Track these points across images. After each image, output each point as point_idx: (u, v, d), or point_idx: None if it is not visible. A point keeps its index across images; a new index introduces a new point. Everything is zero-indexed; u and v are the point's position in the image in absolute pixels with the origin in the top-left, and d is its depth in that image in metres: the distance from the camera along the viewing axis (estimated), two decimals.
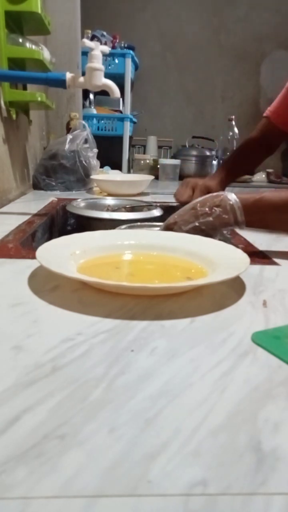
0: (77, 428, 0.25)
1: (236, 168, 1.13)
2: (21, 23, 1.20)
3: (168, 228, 0.68)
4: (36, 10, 1.09)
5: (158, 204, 1.02)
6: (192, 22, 2.78)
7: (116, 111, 2.38)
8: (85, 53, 0.89)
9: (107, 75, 0.84)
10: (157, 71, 2.88)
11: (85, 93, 2.20)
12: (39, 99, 1.19)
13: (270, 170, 2.16)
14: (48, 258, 0.49)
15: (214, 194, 0.66)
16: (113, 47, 2.35)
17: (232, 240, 0.74)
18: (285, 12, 2.74)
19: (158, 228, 0.72)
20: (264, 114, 1.09)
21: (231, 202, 0.63)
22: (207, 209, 0.64)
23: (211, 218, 0.64)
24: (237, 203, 0.63)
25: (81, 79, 0.83)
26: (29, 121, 1.48)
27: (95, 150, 1.49)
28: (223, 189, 1.05)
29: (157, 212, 0.94)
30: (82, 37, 2.00)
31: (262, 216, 0.65)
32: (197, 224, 0.64)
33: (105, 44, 2.16)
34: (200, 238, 0.66)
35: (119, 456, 0.23)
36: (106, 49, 0.84)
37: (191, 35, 2.82)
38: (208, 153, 2.06)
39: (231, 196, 0.64)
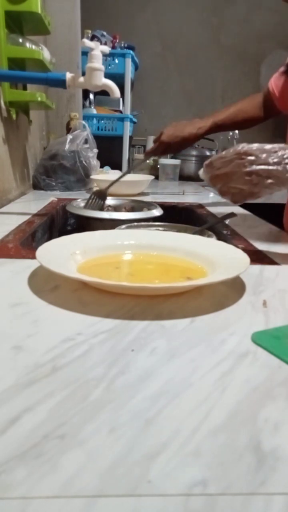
0: (77, 428, 0.25)
1: (229, 117, 1.08)
2: (21, 23, 1.20)
3: (208, 166, 0.61)
4: (36, 10, 1.09)
5: (158, 204, 1.02)
6: (192, 22, 2.78)
7: (116, 111, 2.38)
8: (85, 53, 0.89)
9: (107, 75, 0.84)
10: (157, 71, 2.88)
11: (85, 93, 2.20)
12: (39, 99, 1.19)
13: None
14: (48, 258, 0.49)
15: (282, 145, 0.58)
16: (113, 47, 2.35)
17: (232, 240, 0.74)
18: (285, 12, 2.74)
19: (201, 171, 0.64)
20: (269, 86, 1.04)
21: None
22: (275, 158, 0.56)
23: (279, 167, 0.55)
24: None
25: (81, 79, 0.83)
26: (29, 121, 1.48)
27: (95, 150, 1.49)
28: (202, 136, 1.04)
29: (157, 212, 0.94)
30: (82, 37, 2.00)
31: None
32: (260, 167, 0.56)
33: (105, 44, 2.16)
34: (200, 238, 0.66)
35: (119, 456, 0.23)
36: (106, 49, 0.84)
37: (191, 35, 2.82)
38: (208, 153, 2.06)
39: None
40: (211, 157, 0.63)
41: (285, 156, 0.56)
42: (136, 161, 1.15)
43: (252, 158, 0.57)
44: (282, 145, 0.58)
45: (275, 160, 0.56)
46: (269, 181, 0.57)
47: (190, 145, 1.11)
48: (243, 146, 0.58)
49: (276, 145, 0.57)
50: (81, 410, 0.27)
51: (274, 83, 1.03)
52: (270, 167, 0.56)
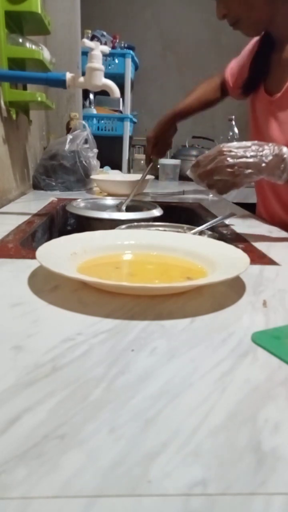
0: (77, 428, 0.25)
1: (185, 114, 1.20)
2: (21, 23, 1.20)
3: (194, 165, 0.71)
4: (36, 10, 1.09)
5: (158, 204, 1.02)
6: (192, 22, 2.78)
7: (116, 111, 2.38)
8: (85, 53, 0.89)
9: (107, 75, 0.84)
10: (157, 71, 2.88)
11: (85, 93, 2.21)
12: (39, 99, 1.19)
13: None
14: (48, 258, 0.49)
15: (262, 142, 0.69)
16: (113, 47, 2.35)
17: (232, 240, 0.74)
18: None
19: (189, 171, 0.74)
20: (225, 73, 1.16)
21: (285, 155, 0.66)
22: (253, 151, 0.67)
23: (263, 159, 0.66)
24: None
25: (81, 79, 0.83)
26: (29, 121, 1.48)
27: (95, 150, 1.49)
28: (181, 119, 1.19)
29: (157, 212, 0.94)
30: (82, 37, 2.00)
31: None
32: (242, 160, 0.66)
33: (105, 44, 2.16)
34: (200, 238, 0.66)
35: (119, 456, 0.23)
36: (106, 49, 0.83)
37: (191, 35, 2.82)
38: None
39: (285, 148, 0.67)
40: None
41: (259, 150, 0.67)
42: (145, 168, 1.23)
43: (232, 153, 0.67)
44: (256, 142, 0.68)
45: (252, 153, 0.67)
46: (248, 171, 0.67)
47: (172, 128, 1.22)
48: (224, 145, 0.69)
49: (250, 142, 0.68)
50: (81, 410, 0.27)
51: (230, 73, 1.14)
52: (248, 160, 0.66)
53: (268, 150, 0.67)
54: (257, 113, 0.99)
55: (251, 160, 0.66)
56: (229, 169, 0.67)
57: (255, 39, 1.01)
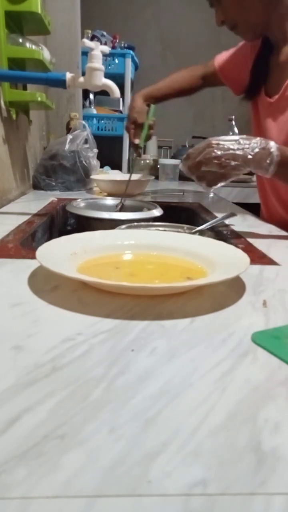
0: (77, 428, 0.25)
1: (159, 96, 1.20)
2: (21, 23, 1.20)
3: (185, 158, 0.74)
4: (36, 10, 1.09)
5: (158, 204, 1.02)
6: (192, 22, 2.78)
7: (116, 111, 2.38)
8: (85, 53, 0.89)
9: (107, 75, 0.84)
10: (157, 71, 2.86)
11: (85, 93, 2.21)
12: (39, 99, 1.19)
13: None
14: (48, 258, 0.49)
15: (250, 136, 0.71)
16: (113, 47, 2.35)
17: (232, 240, 0.74)
18: None
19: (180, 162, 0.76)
20: (215, 65, 1.16)
21: (271, 149, 0.68)
22: (245, 145, 0.68)
23: (250, 154, 0.68)
24: (276, 151, 0.68)
25: (81, 79, 0.83)
26: (29, 121, 1.48)
27: (95, 150, 1.49)
28: (151, 102, 1.17)
29: (157, 212, 0.94)
30: (82, 37, 2.00)
31: None
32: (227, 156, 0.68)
33: (105, 44, 2.16)
34: (200, 238, 0.66)
35: (119, 456, 0.23)
36: (106, 49, 0.83)
37: (191, 35, 2.82)
38: None
39: (272, 142, 0.70)
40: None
41: (246, 143, 0.69)
42: (134, 159, 1.19)
43: (220, 146, 0.69)
44: (244, 136, 0.70)
45: (238, 146, 0.69)
46: (235, 162, 0.68)
47: (144, 107, 1.18)
48: (213, 138, 0.71)
49: (238, 136, 0.70)
50: (81, 410, 0.27)
51: (217, 63, 1.15)
52: (235, 152, 0.68)
53: (255, 143, 0.69)
54: (259, 115, 1.00)
55: (238, 152, 0.68)
56: (216, 161, 0.68)
57: (252, 44, 1.02)
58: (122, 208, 1.05)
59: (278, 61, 0.92)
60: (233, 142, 0.69)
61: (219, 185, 0.72)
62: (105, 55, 0.84)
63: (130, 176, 1.13)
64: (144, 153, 2.47)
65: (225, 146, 0.68)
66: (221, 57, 1.16)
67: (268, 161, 0.68)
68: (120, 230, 0.74)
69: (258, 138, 0.69)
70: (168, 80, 1.22)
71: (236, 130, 2.03)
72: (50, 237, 0.95)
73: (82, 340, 0.36)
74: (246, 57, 1.04)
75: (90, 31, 2.25)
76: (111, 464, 0.22)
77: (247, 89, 1.02)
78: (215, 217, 0.92)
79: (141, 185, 1.36)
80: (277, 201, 1.01)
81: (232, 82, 1.13)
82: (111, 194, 1.29)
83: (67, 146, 1.39)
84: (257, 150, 0.68)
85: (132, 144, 1.19)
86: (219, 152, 0.68)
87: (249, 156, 0.68)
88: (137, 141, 1.15)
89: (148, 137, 1.17)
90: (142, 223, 0.82)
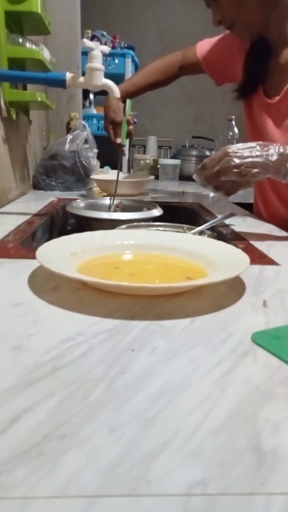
0: (77, 428, 0.25)
1: (134, 90, 1.19)
2: (21, 23, 1.20)
3: (202, 168, 0.72)
4: (36, 10, 1.09)
5: (158, 204, 1.02)
6: (192, 22, 2.78)
7: None
8: (85, 53, 0.89)
9: (107, 75, 0.84)
10: None
11: (85, 93, 2.21)
12: (39, 99, 1.19)
13: None
14: (48, 258, 0.49)
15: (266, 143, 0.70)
16: (113, 47, 2.35)
17: (232, 240, 0.74)
18: None
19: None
20: (197, 54, 1.15)
21: None
22: (259, 151, 0.68)
23: (270, 158, 0.67)
24: None
25: (81, 79, 0.83)
26: (29, 121, 1.48)
27: (95, 150, 1.49)
28: (126, 98, 1.13)
29: (157, 212, 0.94)
30: (82, 37, 2.00)
31: None
32: (253, 159, 0.67)
33: (105, 44, 2.16)
34: (200, 238, 0.66)
35: (119, 456, 0.23)
36: (106, 49, 0.83)
37: (191, 35, 2.81)
38: (208, 153, 2.06)
39: None
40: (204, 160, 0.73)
41: (265, 149, 0.68)
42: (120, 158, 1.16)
43: (238, 154, 0.68)
44: (260, 142, 0.70)
45: (257, 153, 0.68)
46: (255, 170, 0.68)
47: (121, 105, 1.16)
48: (229, 147, 0.69)
49: (255, 143, 0.69)
50: (81, 410, 0.27)
51: (200, 53, 1.14)
52: (254, 159, 0.67)
53: (273, 149, 0.68)
54: (254, 115, 1.00)
55: (257, 159, 0.67)
56: (235, 170, 0.68)
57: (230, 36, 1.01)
58: (118, 208, 1.05)
59: (277, 62, 0.92)
60: (251, 150, 0.68)
61: (237, 193, 0.71)
62: (105, 55, 0.84)
63: (118, 175, 1.10)
64: (144, 153, 2.47)
65: (244, 154, 0.68)
66: (204, 47, 1.15)
67: (287, 167, 0.68)
68: (120, 230, 0.74)
69: (275, 144, 0.69)
70: (143, 72, 1.20)
71: (236, 130, 2.03)
72: (50, 237, 0.95)
73: (82, 340, 0.36)
74: (233, 51, 1.04)
75: (90, 31, 2.25)
76: (111, 464, 0.22)
77: (241, 87, 1.01)
78: (215, 217, 0.92)
79: (141, 185, 1.36)
80: (278, 200, 1.01)
81: (215, 73, 1.13)
82: (111, 194, 1.29)
83: (67, 146, 1.39)
84: (276, 156, 0.67)
85: (113, 144, 1.17)
86: (238, 161, 0.67)
87: (269, 163, 0.67)
88: (118, 140, 1.13)
89: (129, 134, 1.15)
90: (142, 223, 0.82)
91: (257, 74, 0.97)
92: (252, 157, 0.67)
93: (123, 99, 1.13)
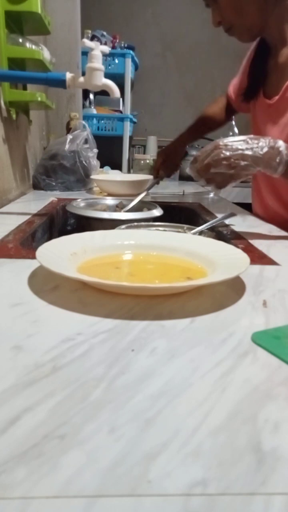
0: (77, 428, 0.25)
1: (197, 135, 1.31)
2: (21, 23, 1.20)
3: (194, 161, 0.73)
4: (36, 10, 1.09)
5: (158, 204, 1.02)
6: (192, 22, 2.78)
7: (116, 111, 2.38)
8: (85, 53, 0.89)
9: (107, 75, 0.84)
10: (157, 71, 2.88)
11: (85, 93, 2.21)
12: (39, 99, 1.19)
13: None
14: (48, 258, 0.49)
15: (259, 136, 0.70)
16: (113, 47, 2.35)
17: (232, 240, 0.74)
18: None
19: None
20: (229, 94, 1.20)
21: (280, 148, 0.68)
22: (255, 144, 0.68)
23: (260, 151, 0.67)
24: (286, 150, 0.68)
25: (81, 79, 0.83)
26: (29, 121, 1.48)
27: (95, 150, 1.49)
28: (185, 146, 1.28)
29: (157, 212, 0.94)
30: (82, 37, 2.00)
31: None
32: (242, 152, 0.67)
33: (105, 44, 2.16)
34: (200, 238, 0.66)
35: (119, 456, 0.23)
36: (106, 49, 0.84)
37: (191, 35, 2.82)
38: None
39: (281, 141, 0.69)
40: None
41: (255, 142, 0.68)
42: (151, 182, 1.29)
43: (228, 146, 0.68)
44: (251, 135, 0.70)
45: (247, 146, 0.68)
46: (244, 163, 0.68)
47: (182, 149, 1.29)
48: (221, 139, 0.70)
49: (246, 136, 0.69)
50: (81, 410, 0.27)
51: (232, 89, 1.19)
52: (244, 152, 0.67)
53: (263, 143, 0.68)
54: (257, 118, 1.00)
55: (246, 152, 0.67)
56: (225, 162, 0.68)
57: (251, 50, 1.03)
58: (117, 208, 1.05)
59: (276, 62, 0.92)
60: (241, 142, 0.68)
61: (228, 186, 0.71)
62: (105, 55, 0.84)
63: (150, 188, 1.21)
64: (144, 153, 2.47)
65: (233, 147, 0.68)
66: (232, 81, 1.18)
67: (277, 160, 0.68)
68: (120, 230, 0.74)
69: (266, 137, 0.69)
70: (201, 121, 1.28)
71: (236, 130, 2.03)
72: (50, 237, 0.95)
73: (82, 340, 0.36)
74: (247, 69, 1.05)
75: (90, 31, 2.25)
76: (111, 464, 0.22)
77: (245, 91, 1.02)
78: (215, 217, 0.93)
79: (141, 185, 1.36)
80: (277, 201, 1.01)
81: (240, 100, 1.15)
82: (111, 194, 1.30)
83: (67, 146, 1.39)
84: (266, 149, 0.67)
85: (154, 171, 1.30)
86: (227, 153, 0.67)
87: (259, 156, 0.67)
88: (160, 172, 1.27)
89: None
90: (142, 223, 0.82)
91: (259, 76, 0.98)
92: (242, 149, 0.67)
93: (186, 143, 1.28)
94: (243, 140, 0.68)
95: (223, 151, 0.68)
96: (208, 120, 1.27)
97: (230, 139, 0.69)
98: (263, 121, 0.96)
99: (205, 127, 1.28)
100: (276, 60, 0.92)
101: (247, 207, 1.18)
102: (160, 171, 1.26)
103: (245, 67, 1.08)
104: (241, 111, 1.18)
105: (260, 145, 0.68)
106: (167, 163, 1.26)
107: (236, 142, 0.68)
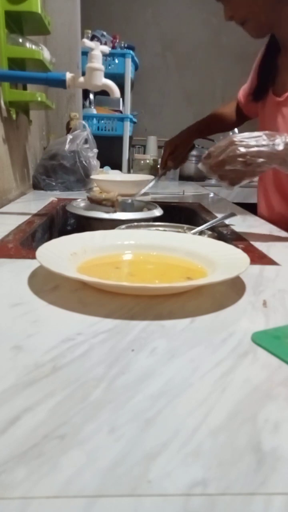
0: (77, 428, 0.25)
1: (205, 130, 1.29)
2: (21, 23, 1.20)
3: (207, 156, 0.71)
4: (36, 10, 1.09)
5: (158, 204, 1.02)
6: (192, 22, 2.78)
7: (116, 111, 2.38)
8: (85, 53, 0.89)
9: (107, 75, 0.84)
10: (157, 71, 2.88)
11: (85, 93, 2.21)
12: (39, 99, 1.19)
13: None
14: (48, 258, 0.49)
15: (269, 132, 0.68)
16: (113, 47, 2.35)
17: (232, 240, 0.74)
18: None
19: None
20: (239, 98, 1.20)
21: None
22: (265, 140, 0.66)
23: (276, 147, 0.66)
24: None
25: (81, 79, 0.83)
26: (29, 121, 1.48)
27: (95, 150, 1.49)
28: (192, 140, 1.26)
29: (157, 212, 0.94)
30: (82, 37, 2.00)
31: None
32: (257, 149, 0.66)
33: (105, 44, 2.16)
34: (200, 238, 0.66)
35: (119, 456, 0.23)
36: (106, 49, 0.84)
37: (191, 35, 2.82)
38: None
39: None
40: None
41: (271, 139, 0.66)
42: (160, 172, 1.31)
43: (243, 143, 0.66)
44: (267, 131, 0.68)
45: (263, 142, 0.66)
46: (260, 160, 0.66)
47: (190, 141, 1.26)
48: (235, 135, 0.68)
49: (261, 132, 0.68)
50: (81, 410, 0.27)
51: (242, 94, 1.19)
52: (260, 149, 0.66)
53: (279, 139, 0.66)
54: (265, 118, 1.00)
55: (263, 149, 0.66)
56: (241, 159, 0.66)
57: (261, 51, 1.04)
58: (127, 207, 1.05)
59: (286, 60, 0.92)
60: (257, 139, 0.66)
61: (242, 183, 0.70)
62: (105, 55, 0.84)
63: (158, 178, 1.24)
64: (144, 153, 2.47)
65: (250, 143, 0.66)
66: (243, 87, 1.18)
67: None
68: (120, 230, 0.74)
69: (281, 134, 0.67)
70: (212, 117, 1.27)
71: (236, 130, 2.03)
72: (50, 237, 0.95)
73: (82, 340, 0.36)
74: (256, 71, 1.06)
75: (90, 31, 2.25)
76: (111, 464, 0.22)
77: (254, 90, 1.02)
78: (215, 217, 0.93)
79: (141, 185, 1.36)
80: (283, 203, 1.01)
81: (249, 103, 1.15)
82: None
83: (67, 146, 1.39)
84: (282, 146, 0.66)
85: (162, 162, 1.28)
86: (243, 150, 0.65)
87: (275, 152, 0.66)
88: (168, 163, 1.24)
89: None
90: (142, 223, 0.82)
91: (268, 75, 0.98)
92: (258, 146, 0.66)
93: (195, 136, 1.26)
94: (259, 136, 0.66)
95: (239, 148, 0.66)
96: (219, 118, 1.25)
97: (246, 135, 0.67)
98: (273, 119, 0.96)
99: (214, 125, 1.27)
100: (286, 58, 0.92)
101: (247, 207, 1.18)
102: (168, 162, 1.24)
103: (255, 68, 1.08)
104: (249, 114, 1.18)
105: (276, 142, 0.66)
106: (176, 154, 1.24)
107: (252, 138, 0.66)
